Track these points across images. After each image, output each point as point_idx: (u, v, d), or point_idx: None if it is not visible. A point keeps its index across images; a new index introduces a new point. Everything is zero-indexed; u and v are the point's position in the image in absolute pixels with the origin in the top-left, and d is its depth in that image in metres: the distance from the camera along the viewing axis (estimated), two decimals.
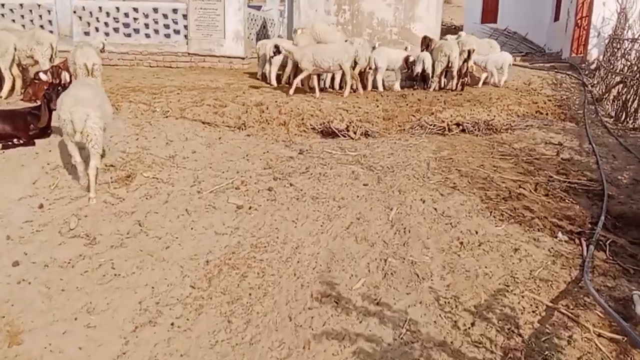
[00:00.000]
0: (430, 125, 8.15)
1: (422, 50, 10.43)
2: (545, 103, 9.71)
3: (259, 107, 8.63)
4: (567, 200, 5.63)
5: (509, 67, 10.89)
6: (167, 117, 8.10)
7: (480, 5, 18.65)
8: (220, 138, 7.63)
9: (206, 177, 5.93)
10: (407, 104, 9.13)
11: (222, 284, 3.90)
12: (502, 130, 8.32)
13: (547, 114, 9.22)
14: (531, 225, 4.92)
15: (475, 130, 8.20)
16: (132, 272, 4.01)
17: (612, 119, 9.41)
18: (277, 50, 9.61)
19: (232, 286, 3.87)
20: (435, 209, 5.19)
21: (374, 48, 10.97)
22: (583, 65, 12.05)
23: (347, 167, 6.40)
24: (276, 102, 8.87)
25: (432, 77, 10.31)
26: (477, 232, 4.67)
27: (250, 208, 5.12)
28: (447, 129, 8.13)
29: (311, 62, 9.18)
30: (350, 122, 7.87)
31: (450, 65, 10.04)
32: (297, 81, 9.61)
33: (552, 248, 4.45)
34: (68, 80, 6.66)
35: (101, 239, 4.50)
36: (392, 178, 6.05)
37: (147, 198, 5.21)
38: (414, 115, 8.56)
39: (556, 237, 4.70)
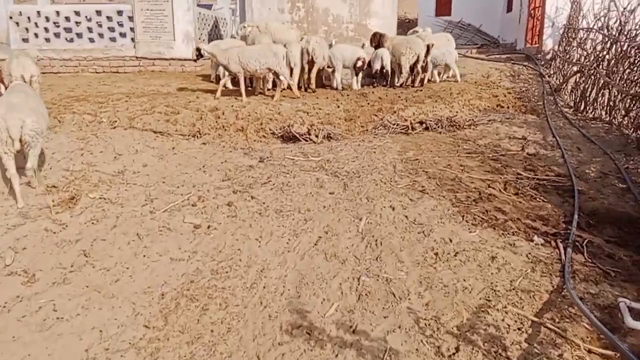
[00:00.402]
0: (394, 124, 7.93)
1: (374, 47, 10.18)
2: (505, 96, 9.66)
3: (214, 112, 8.18)
4: (537, 199, 5.48)
5: (455, 62, 10.82)
6: (114, 127, 7.56)
7: None
8: (173, 148, 7.16)
9: (159, 194, 5.48)
10: (368, 103, 8.87)
11: (180, 320, 3.50)
12: (465, 127, 8.19)
13: (508, 107, 9.16)
14: (505, 229, 4.73)
15: (438, 127, 8.03)
16: (77, 314, 3.55)
17: (571, 109, 9.45)
18: (199, 53, 8.98)
19: (192, 322, 3.47)
20: (406, 216, 4.93)
21: (330, 45, 10.69)
22: (539, 55, 12.12)
23: (311, 174, 6.07)
24: (232, 106, 8.44)
25: (395, 74, 10.10)
26: (451, 240, 4.44)
27: (209, 227, 4.72)
28: (410, 127, 7.93)
29: (238, 64, 8.70)
30: (311, 125, 7.54)
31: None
32: (222, 83, 9.38)
33: (530, 254, 4.27)
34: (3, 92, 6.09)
35: (41, 275, 4.00)
36: (359, 184, 5.76)
37: (93, 223, 4.72)
38: (376, 115, 8.32)
39: (532, 241, 4.51)
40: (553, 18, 11.89)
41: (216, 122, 7.94)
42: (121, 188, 5.62)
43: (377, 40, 10.10)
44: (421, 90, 9.82)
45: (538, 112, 9.05)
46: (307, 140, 7.35)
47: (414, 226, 4.74)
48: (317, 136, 7.37)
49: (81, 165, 6.14)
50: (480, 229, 4.71)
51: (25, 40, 11.70)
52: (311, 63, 10.14)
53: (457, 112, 8.65)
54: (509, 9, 15.90)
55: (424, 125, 8.05)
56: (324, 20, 11.54)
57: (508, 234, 4.65)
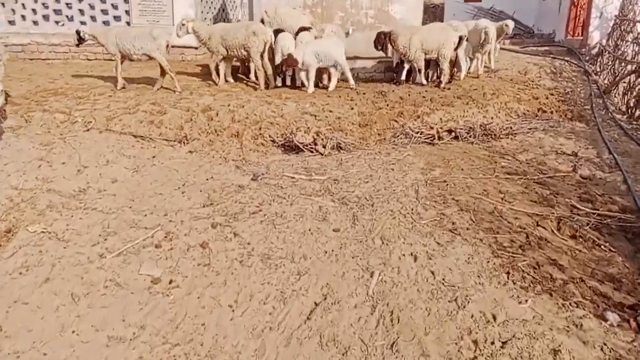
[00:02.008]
0: (417, 132, 6.68)
1: (377, 49, 8.76)
2: (547, 98, 8.30)
3: (207, 113, 7.03)
4: (602, 247, 4.23)
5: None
6: (88, 130, 6.48)
7: None
8: (154, 157, 6.05)
9: (119, 226, 4.36)
10: (387, 105, 7.61)
11: None
12: (502, 136, 6.92)
13: (551, 112, 7.81)
14: (566, 296, 3.50)
15: (470, 137, 6.78)
16: None
17: (624, 116, 8.06)
18: (80, 37, 7.98)
19: None
20: (433, 272, 3.73)
21: (347, 34, 9.42)
22: (583, 50, 10.67)
23: (313, 200, 4.89)
24: (229, 105, 7.27)
25: (418, 70, 8.79)
26: (495, 318, 3.23)
27: (170, 283, 3.59)
28: (436, 136, 6.68)
29: (115, 46, 7.88)
30: (318, 133, 6.34)
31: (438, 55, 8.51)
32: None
33: (605, 344, 3.05)
34: None
35: None
36: (372, 216, 4.58)
37: (21, 273, 3.62)
38: (395, 120, 7.07)
39: (604, 320, 3.29)
40: (601, 8, 10.40)
41: (208, 124, 6.79)
42: (74, 216, 4.51)
43: (382, 43, 8.61)
44: (449, 89, 8.50)
45: (587, 119, 7.70)
46: (312, 152, 6.16)
47: (443, 289, 3.54)
48: (324, 147, 6.17)
49: (34, 182, 5.05)
50: (533, 295, 3.50)
51: (11, 22, 10.66)
52: None
53: (492, 117, 7.35)
54: None
55: (452, 134, 6.79)
56: (340, 5, 10.23)
57: (571, 305, 3.42)
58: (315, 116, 6.97)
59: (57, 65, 10.51)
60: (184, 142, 6.40)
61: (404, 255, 3.96)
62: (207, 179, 5.47)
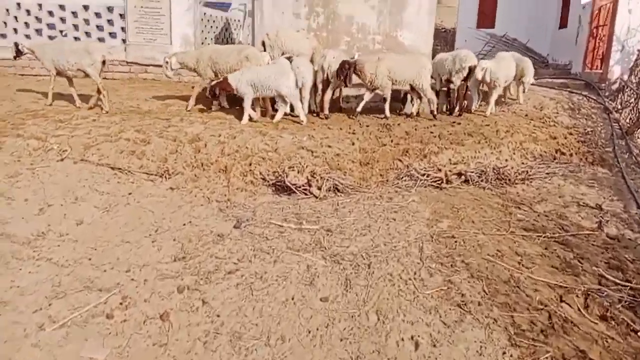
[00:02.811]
0: (423, 175, 6.06)
1: (340, 80, 7.86)
2: (565, 138, 7.66)
3: (194, 144, 6.45)
4: (638, 333, 3.55)
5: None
6: (62, 159, 5.90)
7: (475, 7, 16.52)
8: (129, 194, 5.45)
9: (71, 286, 3.73)
10: (391, 141, 7.00)
11: None
12: (517, 181, 6.28)
13: (570, 155, 7.16)
14: None
15: (482, 181, 6.14)
16: None
17: None
18: (17, 50, 7.65)
19: None
20: None
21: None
22: (602, 84, 10.05)
23: (300, 257, 4.26)
24: (220, 136, 6.69)
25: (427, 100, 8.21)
26: None
27: None
28: (445, 180, 6.05)
29: (51, 62, 7.54)
30: (313, 173, 5.72)
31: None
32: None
33: None
34: None
35: None
36: (367, 281, 3.94)
37: None
38: (400, 160, 6.45)
39: None
40: (623, 41, 9.81)
41: (194, 157, 6.21)
42: (23, 269, 3.90)
43: (345, 74, 7.60)
44: (459, 124, 7.88)
45: (609, 164, 7.04)
46: (306, 194, 5.54)
47: None
48: (319, 188, 5.56)
49: None
50: None
51: (2, 35, 10.20)
52: (326, 82, 8.34)
53: (506, 159, 6.71)
54: (563, 24, 13.79)
55: (462, 177, 6.16)
56: (346, 29, 9.70)
57: None
58: (312, 152, 6.37)
59: (45, 82, 10.00)
60: (165, 177, 5.81)
61: (402, 340, 3.30)
62: (184, 224, 4.86)
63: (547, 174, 6.50)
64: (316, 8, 9.57)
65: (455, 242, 4.62)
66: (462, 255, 4.37)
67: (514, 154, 6.92)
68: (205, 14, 11.17)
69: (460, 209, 5.41)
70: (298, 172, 5.61)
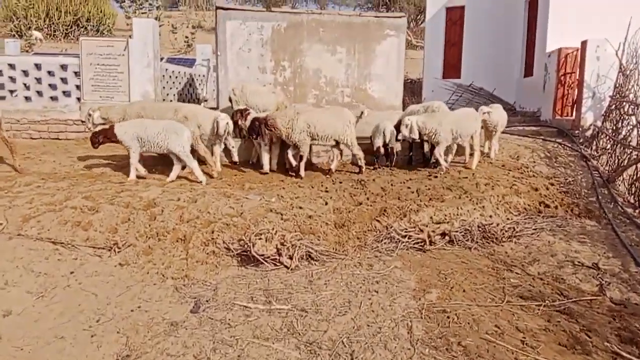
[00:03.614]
0: (404, 236, 5.52)
1: (253, 138, 7.60)
2: (547, 189, 7.30)
3: (149, 210, 5.78)
4: None
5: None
6: None
7: (441, 58, 16.66)
8: (71, 274, 4.72)
9: None
10: (368, 199, 6.48)
11: None
12: (504, 239, 5.80)
13: (555, 207, 6.77)
14: None
15: (467, 240, 5.64)
16: None
17: (636, 210, 7.06)
18: None
19: None
20: None
21: None
22: (576, 131, 9.92)
23: (270, 349, 3.58)
24: (178, 200, 6.05)
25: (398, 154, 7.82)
26: None
27: None
28: (428, 241, 5.52)
29: None
30: (283, 240, 5.10)
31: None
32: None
33: None
34: None
35: None
36: None
37: None
38: (378, 220, 5.91)
39: None
40: (593, 87, 9.76)
41: (149, 225, 5.53)
42: None
43: (257, 130, 7.31)
44: (436, 177, 7.46)
45: (596, 215, 6.67)
46: (275, 264, 4.91)
47: None
48: (290, 258, 4.93)
49: None
50: None
51: None
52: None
53: (490, 215, 6.27)
54: (529, 73, 13.91)
55: (446, 237, 5.65)
56: (314, 83, 9.39)
57: None
58: (282, 214, 5.78)
59: None
60: (114, 251, 5.10)
61: None
62: (132, 310, 4.13)
63: (535, 229, 6.06)
64: (282, 62, 9.26)
65: (448, 317, 4.03)
66: (457, 336, 3.77)
67: (498, 208, 6.48)
68: (167, 69, 10.73)
69: (448, 275, 4.86)
70: (266, 241, 4.98)
